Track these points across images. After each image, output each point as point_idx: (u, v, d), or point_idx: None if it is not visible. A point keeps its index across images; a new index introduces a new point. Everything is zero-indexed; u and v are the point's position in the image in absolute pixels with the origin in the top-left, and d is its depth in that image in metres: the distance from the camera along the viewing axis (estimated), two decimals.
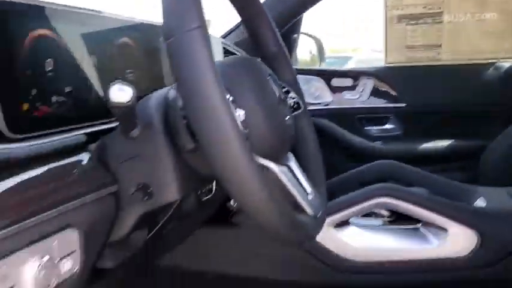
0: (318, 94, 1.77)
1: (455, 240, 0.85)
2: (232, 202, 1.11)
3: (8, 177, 0.48)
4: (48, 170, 0.53)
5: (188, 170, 0.61)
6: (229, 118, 0.47)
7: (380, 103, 1.74)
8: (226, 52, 1.16)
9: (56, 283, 0.50)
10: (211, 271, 0.95)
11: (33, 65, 0.54)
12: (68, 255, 0.52)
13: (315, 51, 2.15)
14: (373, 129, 1.76)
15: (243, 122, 0.55)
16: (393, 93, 1.73)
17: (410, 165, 1.46)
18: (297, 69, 1.81)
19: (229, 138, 0.47)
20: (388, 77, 1.74)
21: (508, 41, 1.64)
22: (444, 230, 0.87)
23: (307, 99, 1.75)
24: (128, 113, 0.55)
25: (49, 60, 0.56)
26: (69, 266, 0.52)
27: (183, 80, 0.48)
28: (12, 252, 0.45)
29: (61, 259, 0.51)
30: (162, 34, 0.50)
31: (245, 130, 0.55)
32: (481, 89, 1.65)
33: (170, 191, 0.60)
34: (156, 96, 0.63)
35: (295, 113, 0.75)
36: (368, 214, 0.95)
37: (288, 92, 0.75)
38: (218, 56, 1.11)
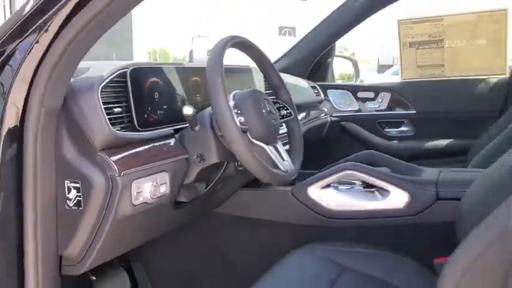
0: (347, 104, 2.29)
1: (394, 198, 1.33)
2: None
3: (137, 147, 1.08)
4: (155, 146, 1.13)
5: (222, 146, 1.18)
6: (232, 121, 1.04)
7: (396, 110, 2.22)
8: None
9: (158, 195, 1.09)
10: (248, 217, 1.50)
11: (149, 95, 1.13)
12: (163, 183, 1.10)
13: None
14: (391, 131, 2.24)
15: (242, 122, 1.11)
16: (406, 102, 2.20)
17: (420, 159, 1.95)
18: (331, 85, 2.36)
19: (232, 129, 1.04)
20: (403, 90, 2.21)
21: (494, 61, 2.05)
22: (388, 191, 1.36)
23: (339, 108, 2.28)
24: (192, 119, 1.14)
25: (156, 92, 1.16)
26: (164, 188, 1.10)
27: (213, 106, 1.06)
28: (140, 177, 1.05)
29: (160, 185, 1.09)
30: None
31: (245, 126, 1.11)
32: (475, 99, 2.07)
33: (213, 157, 1.17)
34: (207, 110, 1.21)
35: (287, 118, 1.30)
36: (346, 183, 1.45)
37: (284, 107, 1.31)
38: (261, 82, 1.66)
